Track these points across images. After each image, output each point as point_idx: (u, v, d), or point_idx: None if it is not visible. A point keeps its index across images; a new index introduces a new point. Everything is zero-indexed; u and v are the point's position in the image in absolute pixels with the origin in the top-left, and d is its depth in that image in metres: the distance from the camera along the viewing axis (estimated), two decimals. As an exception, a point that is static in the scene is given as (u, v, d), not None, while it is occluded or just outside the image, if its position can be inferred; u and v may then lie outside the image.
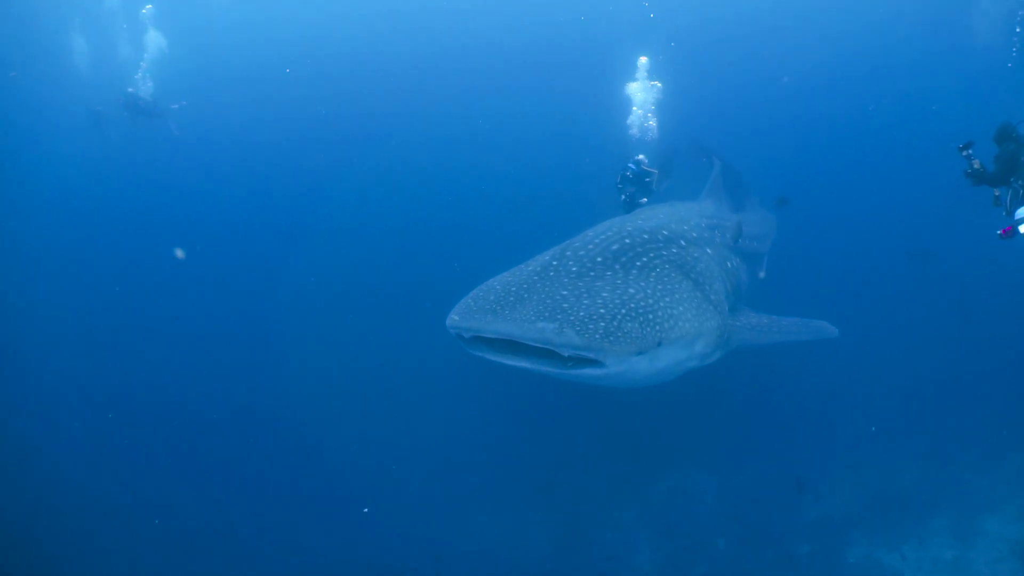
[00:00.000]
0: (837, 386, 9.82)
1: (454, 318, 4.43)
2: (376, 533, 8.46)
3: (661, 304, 4.46)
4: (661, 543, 8.34)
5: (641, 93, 15.73)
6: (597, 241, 5.06)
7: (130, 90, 16.98)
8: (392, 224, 18.93)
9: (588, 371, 4.22)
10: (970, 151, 6.31)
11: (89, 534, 8.73)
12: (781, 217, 10.84)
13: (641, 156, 10.07)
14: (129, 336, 13.60)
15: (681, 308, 4.58)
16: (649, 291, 4.54)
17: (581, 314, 4.13)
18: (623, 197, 9.73)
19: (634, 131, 15.54)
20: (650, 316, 4.30)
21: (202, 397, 11.33)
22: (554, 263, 4.82)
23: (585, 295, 4.36)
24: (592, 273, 4.64)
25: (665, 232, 5.45)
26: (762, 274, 8.06)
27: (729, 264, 6.16)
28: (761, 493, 8.67)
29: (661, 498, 8.86)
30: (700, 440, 9.43)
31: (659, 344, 4.29)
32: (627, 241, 5.07)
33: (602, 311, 4.18)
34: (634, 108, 15.70)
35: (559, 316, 4.10)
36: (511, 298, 4.37)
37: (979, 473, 8.61)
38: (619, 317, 4.16)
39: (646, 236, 5.23)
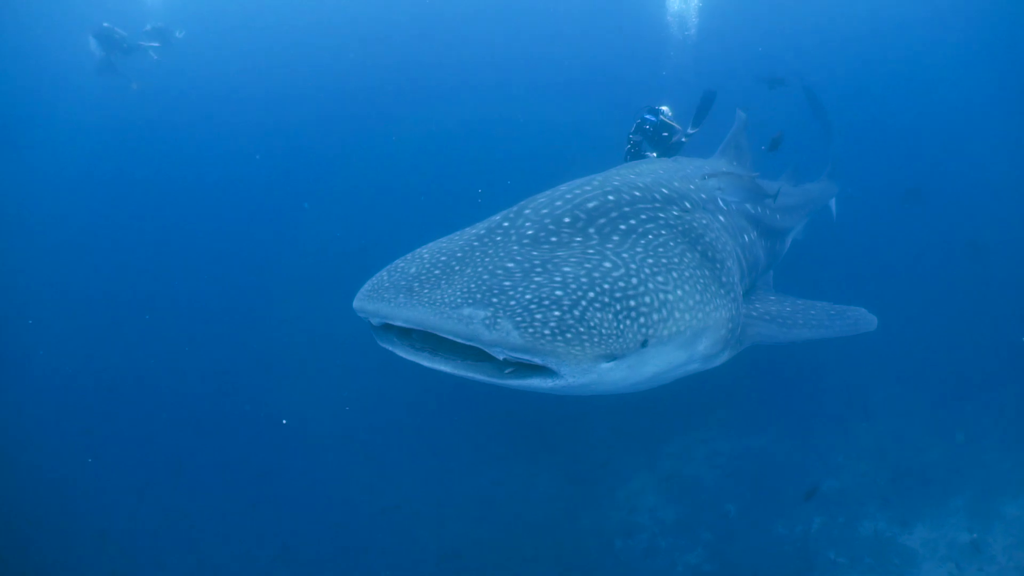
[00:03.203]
0: (861, 356, 9.48)
1: (360, 299, 3.25)
2: (378, 492, 8.35)
3: (650, 285, 3.19)
4: (669, 506, 8.18)
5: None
6: (569, 196, 3.69)
7: (106, 24, 15.75)
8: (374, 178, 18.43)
9: (535, 381, 2.96)
10: None
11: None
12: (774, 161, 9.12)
13: (664, 107, 8.46)
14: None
15: (680, 292, 3.32)
16: (634, 266, 3.25)
17: (527, 297, 2.88)
18: (628, 146, 8.27)
19: (674, 29, 13.24)
20: (631, 303, 3.03)
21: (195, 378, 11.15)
22: (505, 224, 3.53)
23: (538, 269, 3.09)
24: (554, 239, 3.35)
25: (664, 190, 4.12)
26: (784, 251, 6.99)
27: (746, 238, 4.95)
28: (776, 459, 8.46)
29: (671, 460, 8.68)
30: (715, 401, 9.17)
31: (644, 344, 3.05)
32: (610, 198, 3.72)
33: (559, 294, 2.91)
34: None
35: (495, 300, 2.87)
36: (437, 272, 3.19)
37: (1002, 455, 8.34)
38: (583, 304, 2.90)
39: (637, 193, 3.90)
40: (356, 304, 3.24)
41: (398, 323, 3.04)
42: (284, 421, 9.28)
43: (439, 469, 8.65)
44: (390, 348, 3.28)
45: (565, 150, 16.41)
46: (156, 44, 16.19)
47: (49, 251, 15.64)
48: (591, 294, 2.96)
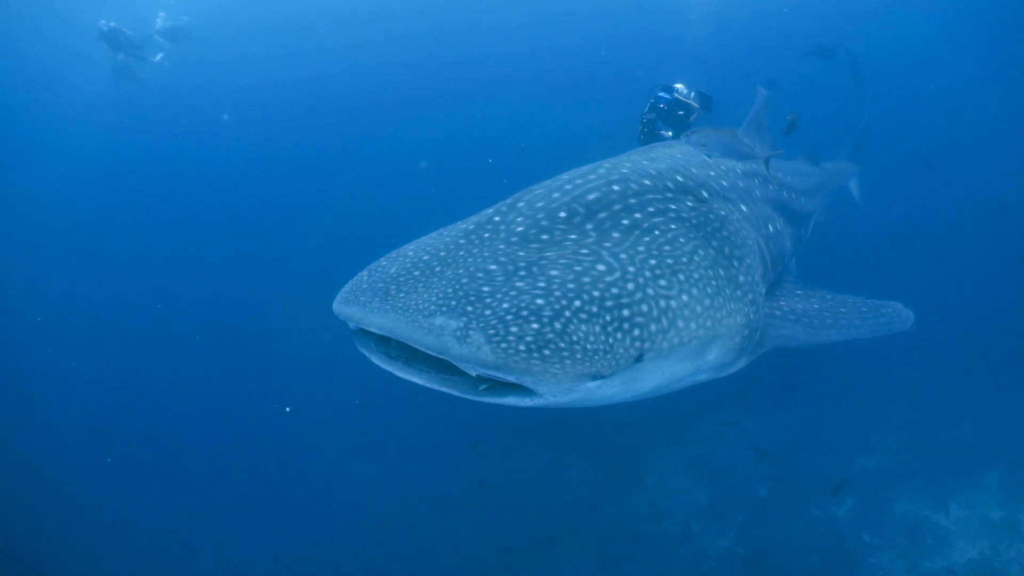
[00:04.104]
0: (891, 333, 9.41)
1: (337, 302, 3.00)
2: (407, 479, 8.43)
3: (649, 291, 2.82)
4: (700, 489, 8.23)
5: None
6: (568, 188, 3.30)
7: (113, 24, 15.78)
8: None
9: (512, 400, 2.72)
10: None
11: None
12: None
13: (679, 84, 8.17)
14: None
15: (686, 297, 2.95)
16: (632, 268, 2.88)
17: (505, 306, 2.57)
18: (641, 126, 7.91)
19: None
20: (624, 312, 2.69)
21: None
22: (496, 219, 3.19)
23: (521, 273, 2.76)
24: (545, 236, 3.00)
25: (679, 178, 3.64)
26: (807, 235, 6.69)
27: (771, 228, 4.50)
28: (808, 440, 8.47)
29: (700, 442, 8.70)
30: (743, 382, 9.07)
31: (639, 359, 2.73)
32: (615, 188, 3.30)
33: (539, 302, 2.59)
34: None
35: (470, 309, 2.57)
36: (417, 273, 2.90)
37: (1036, 430, 8.32)
38: (566, 314, 2.57)
39: (647, 182, 3.45)
40: (334, 307, 2.99)
41: (371, 329, 2.79)
42: (287, 409, 9.26)
43: (466, 460, 8.72)
44: (367, 354, 3.03)
45: (574, 136, 16.21)
46: (163, 49, 16.22)
47: (59, 256, 15.74)
48: (577, 303, 2.63)
